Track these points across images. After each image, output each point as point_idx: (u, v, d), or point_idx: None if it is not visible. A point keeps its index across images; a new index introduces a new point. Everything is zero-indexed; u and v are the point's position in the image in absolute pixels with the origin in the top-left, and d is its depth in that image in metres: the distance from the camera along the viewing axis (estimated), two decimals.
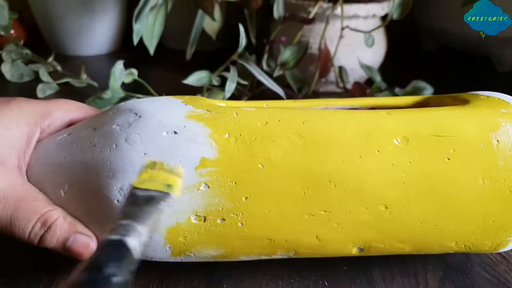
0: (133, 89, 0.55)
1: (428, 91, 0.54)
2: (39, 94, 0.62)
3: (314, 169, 0.27)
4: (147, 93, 0.56)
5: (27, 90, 0.64)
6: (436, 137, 0.27)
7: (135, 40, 0.50)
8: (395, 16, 0.53)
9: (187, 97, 0.31)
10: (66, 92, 0.64)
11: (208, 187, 0.27)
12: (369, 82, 0.67)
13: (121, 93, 0.53)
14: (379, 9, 0.62)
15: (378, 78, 0.57)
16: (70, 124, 0.30)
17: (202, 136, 0.27)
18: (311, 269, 0.32)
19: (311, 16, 0.59)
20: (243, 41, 0.53)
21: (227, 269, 0.31)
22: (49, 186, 0.28)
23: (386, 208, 0.28)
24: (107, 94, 0.52)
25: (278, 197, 0.27)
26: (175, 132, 0.27)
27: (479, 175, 0.28)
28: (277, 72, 0.57)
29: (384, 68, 0.66)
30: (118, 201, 0.27)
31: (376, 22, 0.65)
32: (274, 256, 0.30)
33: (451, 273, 0.32)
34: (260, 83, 0.60)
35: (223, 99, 0.54)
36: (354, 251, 0.29)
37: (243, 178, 0.27)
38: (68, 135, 0.29)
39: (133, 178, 0.24)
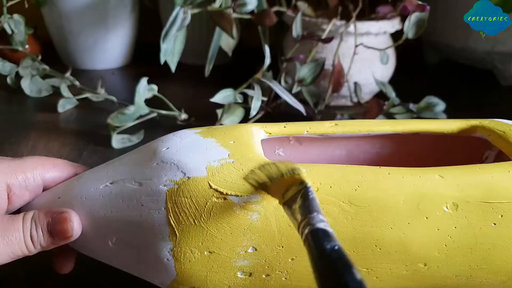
0: (152, 104, 0.57)
1: (441, 106, 0.55)
2: (60, 109, 0.62)
3: (362, 236, 0.25)
4: (167, 109, 0.57)
5: (46, 104, 0.63)
6: (485, 203, 0.26)
7: (162, 59, 0.50)
8: (410, 35, 0.54)
9: (232, 142, 0.28)
10: (85, 106, 0.65)
11: (256, 249, 0.25)
12: (378, 95, 0.68)
13: (146, 109, 0.53)
14: (390, 26, 0.62)
15: (392, 94, 0.56)
16: (46, 183, 0.29)
17: (253, 203, 0.25)
18: None
19: (325, 33, 0.60)
20: (267, 60, 0.53)
21: None
22: (95, 236, 0.27)
23: (425, 265, 0.27)
24: (129, 110, 0.53)
25: None
26: (224, 198, 0.25)
27: None
28: (295, 89, 0.56)
29: (393, 80, 0.67)
30: (168, 259, 0.25)
31: (386, 38, 0.66)
32: None
33: None
34: (276, 98, 0.61)
35: (247, 114, 0.55)
36: None
37: (290, 243, 0.25)
38: (111, 184, 0.27)
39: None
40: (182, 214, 0.25)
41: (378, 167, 0.26)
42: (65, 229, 0.26)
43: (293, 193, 0.23)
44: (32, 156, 0.29)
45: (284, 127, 0.31)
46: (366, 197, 0.25)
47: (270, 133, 0.31)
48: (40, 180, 0.28)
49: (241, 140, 0.28)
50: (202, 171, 0.26)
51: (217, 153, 0.26)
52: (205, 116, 0.57)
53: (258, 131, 0.30)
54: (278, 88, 0.51)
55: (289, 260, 0.26)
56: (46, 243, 0.26)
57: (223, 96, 0.51)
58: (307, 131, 0.31)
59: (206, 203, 0.25)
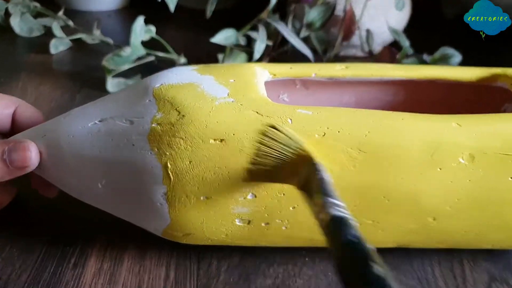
0: (150, 48, 0.54)
1: (457, 58, 0.52)
2: (52, 50, 0.59)
3: (370, 185, 0.24)
4: (165, 51, 0.55)
5: (37, 45, 0.59)
6: (503, 155, 0.24)
7: None
8: None
9: (232, 81, 0.26)
10: (79, 49, 0.61)
11: (255, 196, 0.24)
12: (392, 46, 0.65)
13: (142, 51, 0.50)
14: None
15: (406, 43, 0.53)
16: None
17: (251, 147, 0.23)
18: None
19: None
20: None
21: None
22: (84, 178, 0.25)
23: (434, 219, 0.25)
24: (126, 52, 0.50)
25: None
26: (222, 140, 0.23)
27: None
28: (303, 33, 0.53)
29: (407, 33, 0.64)
30: (161, 204, 0.24)
31: None
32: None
33: None
34: (282, 43, 0.58)
35: (250, 60, 0.53)
36: (392, 246, 0.28)
37: (292, 190, 0.24)
38: (100, 122, 0.25)
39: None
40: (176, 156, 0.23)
41: (391, 112, 0.24)
42: (23, 157, 0.25)
43: (306, 175, 0.21)
44: None
45: (291, 68, 0.29)
46: (377, 144, 0.23)
47: (274, 74, 0.29)
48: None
49: (242, 79, 0.26)
50: (198, 110, 0.23)
51: (215, 92, 0.24)
52: (205, 62, 0.55)
53: (262, 72, 0.28)
54: (285, 30, 0.48)
55: (290, 208, 0.24)
56: (0, 173, 0.25)
57: (224, 36, 0.48)
58: (315, 74, 0.29)
59: (202, 146, 0.23)
